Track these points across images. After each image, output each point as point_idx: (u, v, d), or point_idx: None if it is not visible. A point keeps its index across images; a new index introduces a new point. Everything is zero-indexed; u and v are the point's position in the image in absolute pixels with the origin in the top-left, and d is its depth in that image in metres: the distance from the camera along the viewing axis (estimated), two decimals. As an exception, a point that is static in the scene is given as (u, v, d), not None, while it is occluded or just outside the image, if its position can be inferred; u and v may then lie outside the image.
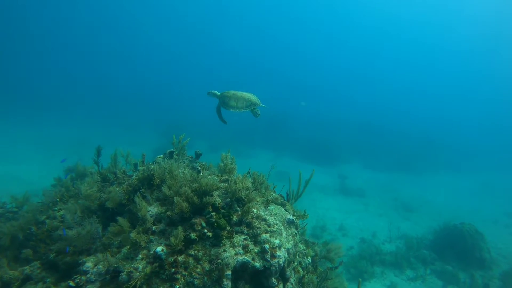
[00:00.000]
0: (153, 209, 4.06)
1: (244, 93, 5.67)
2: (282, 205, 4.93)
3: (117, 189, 4.83)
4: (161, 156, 5.44)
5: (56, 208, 5.08)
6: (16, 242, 4.86)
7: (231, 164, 4.96)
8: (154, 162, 5.07)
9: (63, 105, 32.12)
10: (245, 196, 4.06)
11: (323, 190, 17.99)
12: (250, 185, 4.17)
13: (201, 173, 4.69)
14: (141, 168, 5.04)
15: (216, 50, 71.22)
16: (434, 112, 53.54)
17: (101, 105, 34.82)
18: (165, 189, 4.02)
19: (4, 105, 28.78)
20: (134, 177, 4.85)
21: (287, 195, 5.55)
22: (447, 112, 54.48)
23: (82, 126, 25.66)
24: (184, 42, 70.46)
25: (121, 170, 5.35)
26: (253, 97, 5.59)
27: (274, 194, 5.07)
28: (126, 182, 4.94)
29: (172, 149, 5.32)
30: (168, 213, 3.88)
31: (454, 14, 59.34)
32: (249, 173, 5.25)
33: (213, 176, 4.72)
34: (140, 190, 4.42)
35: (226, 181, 4.73)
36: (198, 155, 5.31)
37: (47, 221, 4.95)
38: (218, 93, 5.62)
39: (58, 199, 5.33)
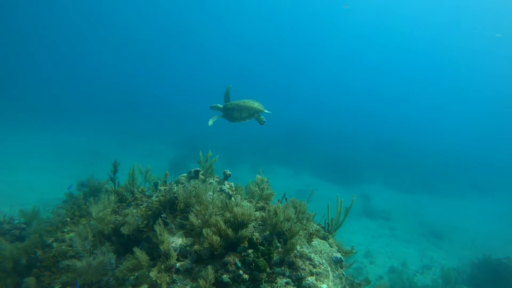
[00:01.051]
0: (177, 240, 3.45)
1: (246, 101, 5.43)
2: (325, 238, 4.23)
3: (134, 211, 4.25)
4: (185, 175, 4.86)
5: (65, 230, 4.54)
6: (19, 267, 4.32)
7: (268, 189, 4.31)
8: (177, 183, 4.49)
9: (79, 114, 32.41)
10: (287, 229, 3.40)
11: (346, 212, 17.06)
12: (293, 215, 3.52)
13: (232, 198, 4.07)
14: (163, 188, 4.46)
15: (232, 66, 71.90)
16: (459, 129, 51.46)
17: (116, 114, 35.09)
18: (192, 218, 3.40)
19: (21, 112, 29.22)
20: (154, 198, 4.27)
21: (328, 225, 4.84)
22: (473, 129, 52.07)
23: (96, 135, 25.60)
24: (200, 56, 71.57)
25: (140, 189, 4.78)
26: (256, 104, 5.34)
27: (315, 225, 4.38)
28: (145, 204, 4.36)
29: (197, 168, 4.73)
30: (196, 247, 3.26)
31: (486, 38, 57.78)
32: (285, 198, 4.59)
33: (246, 203, 4.08)
34: (162, 216, 3.82)
35: (261, 208, 4.09)
36: (227, 176, 4.71)
37: (54, 244, 4.40)
38: (221, 106, 5.46)
39: (68, 219, 4.80)
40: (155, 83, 63.04)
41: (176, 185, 4.22)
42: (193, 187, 3.88)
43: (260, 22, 67.96)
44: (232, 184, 4.80)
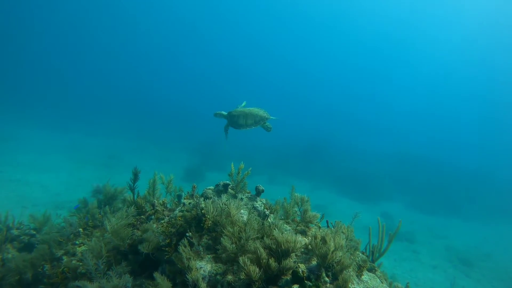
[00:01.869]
0: (206, 266, 2.94)
1: (251, 108, 5.45)
2: (371, 270, 3.64)
3: (155, 226, 3.78)
4: (211, 188, 4.38)
5: (77, 242, 4.10)
6: (23, 283, 3.89)
7: (312, 211, 3.77)
8: (204, 197, 4.00)
9: (95, 116, 32.70)
10: (337, 260, 2.84)
11: (366, 232, 16.17)
12: (343, 243, 2.96)
13: (269, 219, 3.54)
14: (187, 202, 3.98)
15: (250, 74, 72.30)
16: (489, 146, 48.44)
17: (132, 118, 35.24)
18: (225, 242, 2.89)
19: (38, 112, 29.67)
20: (177, 213, 3.80)
21: (372, 253, 4.24)
22: (505, 146, 48.63)
23: (112, 138, 25.59)
24: (217, 63, 72.32)
25: (161, 201, 4.32)
26: (261, 111, 5.35)
27: (360, 253, 3.80)
28: (167, 219, 3.89)
29: (227, 181, 4.24)
30: (229, 277, 2.74)
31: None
32: (327, 221, 4.02)
33: (285, 225, 3.55)
34: (187, 235, 3.33)
35: (302, 233, 3.54)
36: (259, 192, 4.19)
37: (64, 258, 3.96)
38: (225, 113, 5.45)
39: (81, 229, 4.37)
40: (172, 88, 63.70)
41: (204, 200, 3.73)
42: (224, 204, 3.38)
43: (282, 33, 68.74)
44: (264, 200, 4.28)
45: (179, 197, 4.10)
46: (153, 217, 3.95)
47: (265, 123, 5.37)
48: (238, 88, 66.39)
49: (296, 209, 3.88)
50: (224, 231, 3.06)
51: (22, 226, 5.43)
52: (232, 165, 4.19)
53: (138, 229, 3.88)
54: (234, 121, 5.31)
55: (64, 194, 13.34)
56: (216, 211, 3.31)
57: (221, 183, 4.22)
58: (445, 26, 58.81)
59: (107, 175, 17.14)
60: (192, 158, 23.40)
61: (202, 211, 3.47)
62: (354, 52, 69.79)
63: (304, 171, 24.17)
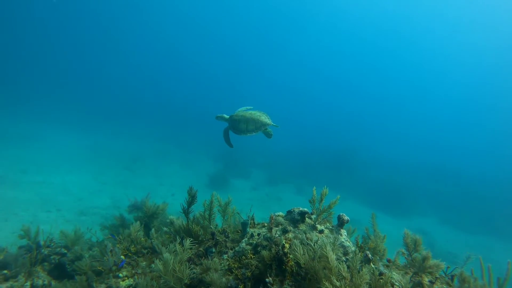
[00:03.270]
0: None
1: (253, 112, 5.36)
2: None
3: (217, 261, 3.08)
4: (281, 214, 3.65)
5: (121, 275, 3.45)
6: (58, 323, 3.28)
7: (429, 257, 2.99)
8: (280, 228, 3.28)
9: (118, 118, 32.75)
10: None
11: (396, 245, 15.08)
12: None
13: (372, 264, 2.78)
14: (255, 232, 3.27)
15: (276, 82, 72.10)
16: None
17: (155, 121, 35.09)
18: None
19: (60, 113, 29.86)
20: (244, 246, 3.09)
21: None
22: None
23: (135, 141, 25.36)
24: (239, 69, 72.63)
25: (219, 229, 3.62)
26: (263, 116, 5.26)
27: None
28: (231, 253, 3.19)
29: (303, 209, 3.50)
30: None
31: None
32: (452, 277, 3.22)
33: (395, 275, 2.78)
34: (267, 280, 2.61)
35: (418, 286, 2.76)
36: (342, 222, 3.42)
37: (106, 294, 3.32)
38: (227, 116, 5.42)
39: (122, 256, 3.73)
40: (194, 92, 63.84)
41: (282, 233, 3.01)
42: (316, 242, 2.64)
43: (306, 38, 68.45)
44: (345, 233, 3.51)
45: (244, 225, 3.39)
46: (214, 250, 3.25)
47: (266, 129, 5.27)
48: (261, 94, 66.21)
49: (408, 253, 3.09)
50: (324, 283, 2.32)
51: (52, 244, 4.87)
52: (314, 190, 3.45)
53: (195, 263, 3.20)
54: (235, 126, 5.26)
55: (87, 199, 12.96)
56: (308, 254, 2.57)
57: (296, 210, 3.48)
58: (481, 31, 56.59)
59: (130, 179, 16.82)
60: (215, 163, 22.84)
61: (285, 250, 2.75)
62: (382, 59, 68.59)
63: (331, 180, 23.15)
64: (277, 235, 3.02)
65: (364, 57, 69.64)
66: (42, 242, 4.76)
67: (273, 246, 2.85)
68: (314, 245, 2.61)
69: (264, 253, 2.79)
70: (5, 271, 3.95)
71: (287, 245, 2.85)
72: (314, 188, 3.51)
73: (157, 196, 15.18)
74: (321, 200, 3.33)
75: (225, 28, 66.67)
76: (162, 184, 16.98)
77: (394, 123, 58.46)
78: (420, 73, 68.49)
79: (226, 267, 3.05)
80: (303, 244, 2.71)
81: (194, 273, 3.01)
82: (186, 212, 3.52)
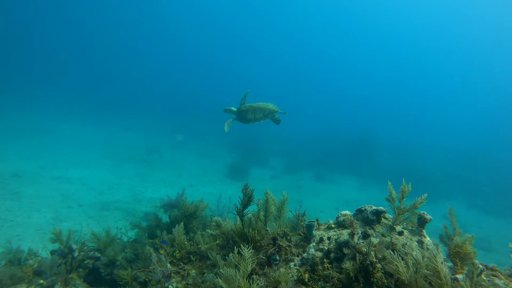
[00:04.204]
0: None
1: (260, 103, 5.57)
2: None
3: (283, 271, 2.68)
4: (348, 213, 3.21)
5: (170, 286, 3.09)
6: None
7: None
8: (339, 226, 2.84)
9: (132, 110, 32.56)
10: None
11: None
12: None
13: (483, 277, 2.34)
14: (324, 235, 2.85)
15: (292, 68, 71.18)
16: None
17: (170, 112, 34.81)
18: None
19: (77, 106, 29.85)
20: (313, 252, 2.69)
21: None
22: None
23: (150, 133, 25.17)
24: (255, 57, 72.01)
25: (279, 232, 3.22)
26: (270, 105, 5.47)
27: None
28: (297, 261, 2.79)
29: (378, 207, 3.06)
30: None
31: None
32: None
33: None
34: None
35: None
36: (423, 221, 2.97)
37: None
38: (235, 109, 5.61)
39: (169, 265, 3.36)
40: (208, 82, 63.41)
41: (363, 238, 2.58)
42: (425, 257, 2.20)
43: (326, 28, 67.46)
44: (428, 237, 3.05)
45: (309, 227, 2.97)
46: (277, 257, 2.85)
47: (274, 115, 5.47)
48: (276, 83, 65.52)
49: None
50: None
51: (85, 247, 4.57)
52: (390, 186, 2.99)
53: (257, 273, 2.81)
54: (243, 116, 5.44)
55: (107, 193, 12.78)
56: (410, 267, 2.14)
57: (368, 208, 3.04)
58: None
59: (148, 172, 16.62)
60: (232, 153, 22.49)
61: (373, 260, 2.33)
62: (402, 44, 66.81)
63: (351, 166, 22.61)
64: (360, 241, 2.59)
65: (378, 39, 68.04)
66: (74, 246, 4.46)
67: (357, 254, 2.42)
68: (419, 258, 2.17)
69: (348, 264, 2.37)
70: (41, 281, 3.66)
71: (372, 253, 2.42)
72: (390, 183, 3.05)
73: (177, 188, 14.94)
74: (402, 197, 2.87)
75: (236, 17, 66.02)
76: (181, 175, 16.74)
77: (415, 107, 57.14)
78: (444, 55, 66.32)
79: (296, 278, 2.65)
80: (387, 248, 2.27)
81: (260, 286, 2.62)
82: (241, 214, 3.11)
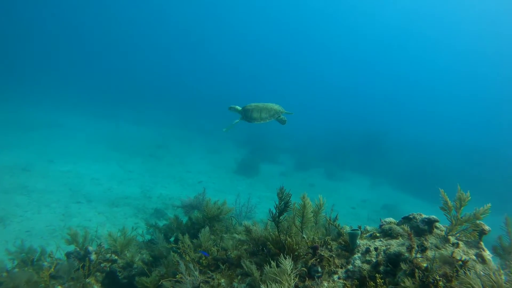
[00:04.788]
0: None
1: (266, 104, 5.57)
2: None
3: (326, 286, 2.44)
4: (392, 220, 2.95)
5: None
6: None
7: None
8: (385, 234, 2.59)
9: (138, 103, 32.35)
10: None
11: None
12: None
13: None
14: (371, 245, 2.59)
15: (298, 67, 70.97)
16: None
17: (177, 106, 34.52)
18: None
19: (84, 98, 29.76)
20: (360, 264, 2.44)
21: None
22: None
23: (158, 127, 24.96)
24: (265, 55, 71.82)
25: (317, 240, 2.97)
26: (276, 106, 5.50)
27: None
28: (341, 273, 2.54)
29: (430, 216, 2.79)
30: None
31: None
32: None
33: None
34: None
35: None
36: (481, 232, 2.69)
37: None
38: (240, 108, 5.62)
39: (197, 274, 3.14)
40: (217, 78, 63.22)
41: (421, 251, 2.32)
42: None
43: (334, 25, 67.04)
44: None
45: (352, 237, 2.72)
46: (319, 269, 2.60)
47: (279, 116, 5.51)
48: (285, 79, 65.41)
49: None
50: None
51: (101, 249, 4.37)
52: (444, 193, 2.72)
53: (298, 287, 2.58)
54: (248, 115, 5.46)
55: (116, 189, 12.64)
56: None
57: (418, 216, 2.78)
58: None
59: (157, 167, 16.44)
60: (240, 148, 22.27)
61: (435, 276, 2.07)
62: (411, 41, 65.98)
63: (362, 164, 22.26)
64: (418, 255, 2.33)
65: (387, 36, 67.31)
66: (90, 248, 4.26)
67: (416, 270, 2.17)
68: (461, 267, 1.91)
69: (407, 282, 2.12)
70: (59, 286, 3.46)
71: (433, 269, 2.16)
72: (442, 190, 2.78)
73: (185, 184, 14.81)
74: (460, 206, 2.60)
75: (244, 15, 65.88)
76: (190, 171, 16.56)
77: (426, 104, 56.40)
78: (455, 51, 65.23)
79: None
80: (445, 263, 2.01)
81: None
82: (276, 220, 2.87)
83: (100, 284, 3.94)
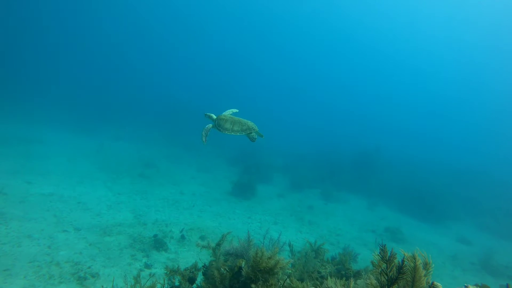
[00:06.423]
0: None
1: (241, 118, 5.78)
2: None
3: None
4: (439, 285, 2.36)
5: None
6: None
7: None
8: None
9: (121, 119, 31.04)
10: None
11: (455, 263, 13.90)
12: None
13: None
14: None
15: (290, 85, 71.88)
16: None
17: (159, 121, 33.44)
18: None
19: (64, 114, 28.30)
20: None
21: None
22: None
23: (143, 143, 23.83)
24: (257, 74, 72.33)
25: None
26: (250, 123, 5.70)
27: None
28: None
29: None
30: None
31: None
32: None
33: None
34: None
35: None
36: None
37: None
38: (215, 116, 5.79)
39: None
40: (202, 93, 62.42)
41: None
42: None
43: (322, 42, 68.48)
44: None
45: None
46: None
47: (251, 133, 5.65)
48: (274, 96, 65.84)
49: None
50: None
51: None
52: None
53: None
54: (221, 124, 5.61)
55: (106, 214, 11.55)
56: None
57: None
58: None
59: (147, 188, 15.37)
60: (232, 167, 21.54)
61: None
62: (409, 54, 68.29)
63: (358, 184, 22.03)
64: None
65: (381, 58, 69.58)
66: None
67: None
68: None
69: None
70: None
71: None
72: None
73: (181, 208, 13.81)
74: None
75: (229, 31, 66.60)
76: (183, 193, 15.62)
77: (416, 124, 58.09)
78: (449, 72, 67.95)
79: None
80: None
81: None
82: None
83: None
